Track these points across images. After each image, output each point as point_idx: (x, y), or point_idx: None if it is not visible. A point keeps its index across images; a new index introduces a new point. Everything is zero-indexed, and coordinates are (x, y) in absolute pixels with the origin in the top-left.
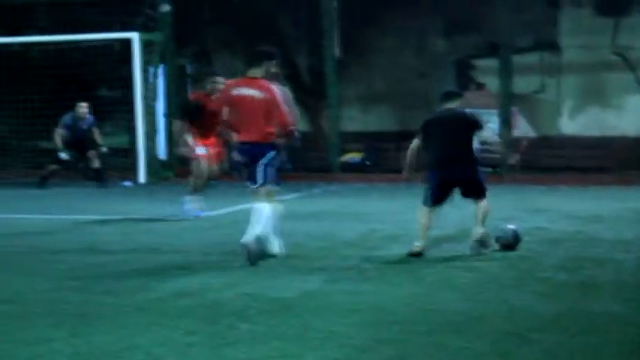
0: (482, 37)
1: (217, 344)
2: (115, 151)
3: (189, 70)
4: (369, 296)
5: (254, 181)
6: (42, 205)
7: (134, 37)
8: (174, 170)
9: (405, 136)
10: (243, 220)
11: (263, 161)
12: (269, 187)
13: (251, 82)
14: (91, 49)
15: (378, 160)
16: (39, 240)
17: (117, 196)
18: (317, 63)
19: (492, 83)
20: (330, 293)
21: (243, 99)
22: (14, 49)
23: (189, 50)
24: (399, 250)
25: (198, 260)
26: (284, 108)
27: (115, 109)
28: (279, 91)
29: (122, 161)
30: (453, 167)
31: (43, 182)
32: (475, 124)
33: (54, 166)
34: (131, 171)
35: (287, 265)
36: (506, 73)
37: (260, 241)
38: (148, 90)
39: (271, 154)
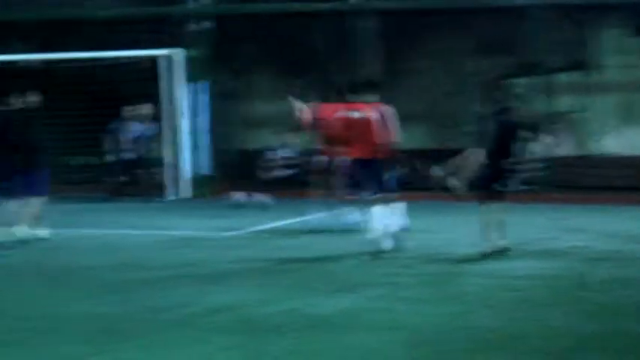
0: (519, 57)
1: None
2: (150, 167)
3: (227, 87)
4: (406, 314)
5: (370, 192)
6: (73, 220)
7: (174, 53)
8: (214, 187)
9: (441, 154)
10: (277, 237)
11: (376, 174)
12: (385, 195)
13: (361, 105)
14: (129, 66)
15: (416, 177)
16: (75, 254)
17: (154, 212)
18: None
19: (531, 103)
20: (367, 310)
21: (354, 120)
22: (47, 66)
23: (228, 67)
24: (436, 267)
25: (235, 276)
26: (388, 127)
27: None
28: (385, 112)
29: (157, 177)
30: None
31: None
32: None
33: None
34: (167, 187)
35: (323, 281)
36: (544, 92)
37: (378, 240)
38: (188, 107)
39: (381, 167)
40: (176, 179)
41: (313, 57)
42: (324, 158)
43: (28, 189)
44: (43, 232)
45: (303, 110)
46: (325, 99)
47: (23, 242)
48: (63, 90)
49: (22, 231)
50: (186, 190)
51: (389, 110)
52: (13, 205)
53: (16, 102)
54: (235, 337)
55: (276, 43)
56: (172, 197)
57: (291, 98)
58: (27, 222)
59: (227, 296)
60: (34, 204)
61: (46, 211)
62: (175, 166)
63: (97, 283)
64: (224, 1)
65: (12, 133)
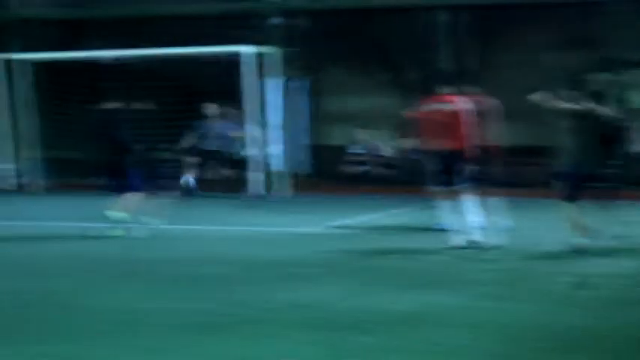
0: (600, 51)
1: (335, 356)
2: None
3: (305, 83)
4: (490, 311)
5: (454, 184)
6: (173, 216)
7: (248, 50)
8: (292, 183)
9: (531, 151)
10: (362, 233)
11: (459, 166)
12: (466, 187)
13: (446, 97)
14: (207, 62)
15: (510, 174)
16: (160, 249)
17: (235, 208)
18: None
19: (611, 98)
20: (451, 307)
21: (444, 112)
22: (133, 61)
23: (305, 63)
24: (522, 264)
25: (318, 272)
26: (471, 121)
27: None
28: (484, 104)
29: (244, 173)
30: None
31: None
32: None
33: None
34: (253, 184)
35: (407, 277)
36: (623, 87)
37: (464, 236)
38: (265, 103)
39: (464, 160)
40: (262, 176)
41: (398, 52)
42: (415, 153)
43: (127, 185)
44: (142, 226)
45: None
46: (412, 93)
47: (117, 236)
48: (149, 86)
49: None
50: (279, 187)
51: (490, 103)
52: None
53: (112, 100)
54: (317, 333)
55: (361, 38)
56: (258, 194)
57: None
58: (137, 215)
59: (306, 292)
60: (133, 199)
61: (144, 206)
62: (262, 163)
63: (181, 277)
64: None
65: (112, 131)
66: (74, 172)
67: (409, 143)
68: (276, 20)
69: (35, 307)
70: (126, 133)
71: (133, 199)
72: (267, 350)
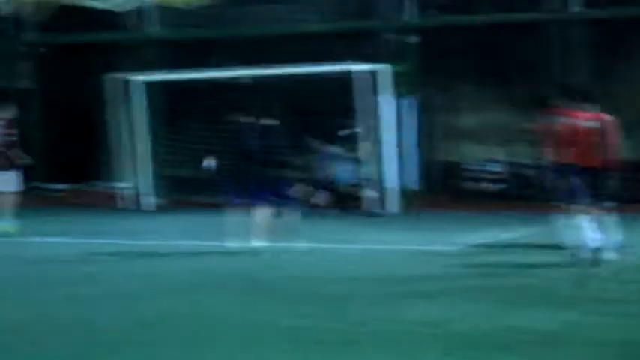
0: None
1: None
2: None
3: (435, 100)
4: (617, 328)
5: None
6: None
7: (382, 67)
8: (422, 201)
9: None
10: (488, 251)
11: (595, 184)
12: (599, 206)
13: (571, 112)
14: (339, 80)
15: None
16: (287, 266)
17: (365, 226)
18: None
19: None
20: (579, 325)
21: (578, 128)
22: (263, 80)
23: (436, 80)
24: None
25: (447, 289)
26: (608, 136)
27: (360, 138)
28: (606, 121)
29: (365, 191)
30: None
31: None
32: None
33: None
34: (375, 201)
35: (536, 296)
36: None
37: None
38: (395, 121)
39: (601, 177)
40: (384, 193)
41: (520, 68)
42: (548, 170)
43: (261, 200)
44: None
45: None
46: (529, 108)
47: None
48: (272, 105)
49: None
50: (393, 204)
51: (610, 120)
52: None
53: (247, 117)
54: (448, 351)
55: (481, 54)
56: (380, 211)
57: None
58: (258, 232)
59: (435, 310)
60: (262, 215)
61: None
62: (383, 181)
63: (305, 294)
64: (428, 14)
65: (249, 147)
66: (189, 190)
67: (541, 157)
68: (390, 37)
69: (163, 325)
70: (262, 149)
71: (262, 215)
72: None
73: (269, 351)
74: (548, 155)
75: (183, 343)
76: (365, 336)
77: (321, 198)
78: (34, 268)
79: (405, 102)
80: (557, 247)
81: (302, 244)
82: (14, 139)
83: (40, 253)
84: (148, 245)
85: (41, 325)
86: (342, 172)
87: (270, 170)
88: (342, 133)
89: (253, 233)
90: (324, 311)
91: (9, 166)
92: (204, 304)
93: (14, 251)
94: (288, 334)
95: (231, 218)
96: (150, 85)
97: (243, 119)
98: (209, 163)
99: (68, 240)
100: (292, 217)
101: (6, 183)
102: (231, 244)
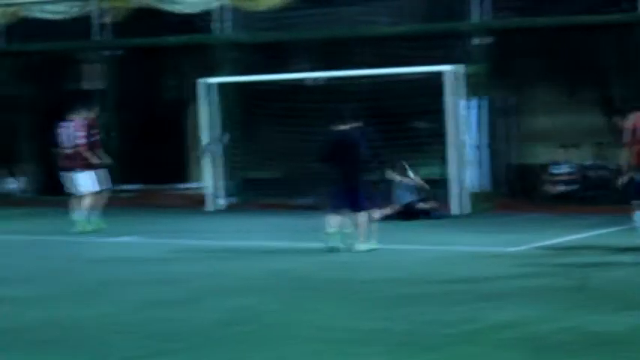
0: None
1: None
2: (433, 183)
3: (507, 102)
4: None
5: None
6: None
7: (451, 69)
8: (493, 202)
9: None
10: (559, 254)
11: None
12: None
13: None
14: (410, 83)
15: None
16: (361, 268)
17: (435, 227)
18: (633, 96)
19: None
20: None
21: None
22: (338, 82)
23: (505, 82)
24: None
25: (517, 292)
26: None
27: (433, 140)
28: None
29: (435, 192)
30: None
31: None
32: None
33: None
34: (449, 203)
35: (604, 298)
36: None
37: None
38: (464, 122)
39: None
40: (457, 195)
41: (591, 69)
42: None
43: (356, 204)
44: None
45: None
46: (616, 110)
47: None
48: (351, 106)
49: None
50: (466, 205)
51: None
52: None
53: (340, 122)
54: (521, 354)
55: (553, 56)
56: (453, 213)
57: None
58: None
59: (510, 313)
60: (361, 218)
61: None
62: (456, 182)
63: (382, 297)
64: (502, 15)
65: (352, 150)
66: (261, 191)
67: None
68: (477, 39)
69: (238, 326)
70: (366, 152)
71: (361, 217)
72: None
73: (353, 354)
74: (628, 156)
75: (261, 344)
76: (445, 338)
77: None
78: (110, 269)
79: (476, 103)
80: (626, 248)
81: (374, 246)
82: (96, 139)
83: (114, 253)
84: (220, 245)
85: (119, 325)
86: (402, 195)
87: (359, 173)
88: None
89: (358, 235)
90: (401, 314)
91: (87, 166)
92: (281, 306)
93: (89, 252)
94: (367, 337)
95: (332, 219)
96: (223, 88)
97: (355, 123)
98: (223, 137)
99: (142, 240)
100: (370, 219)
101: (85, 183)
102: (332, 244)
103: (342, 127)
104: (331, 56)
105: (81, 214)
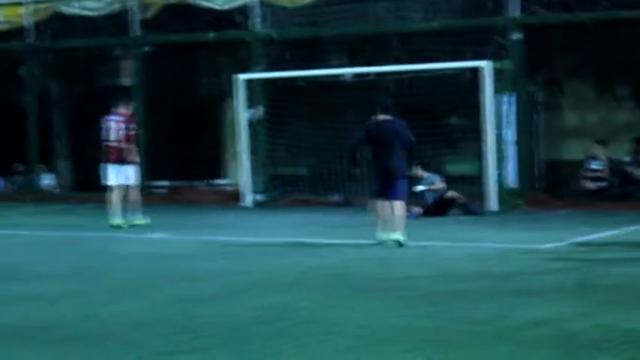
0: None
1: None
2: (464, 179)
3: (539, 98)
4: None
5: None
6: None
7: (484, 65)
8: (525, 198)
9: None
10: (594, 250)
11: None
12: None
13: None
14: (442, 78)
15: None
16: (394, 265)
17: (468, 224)
18: None
19: None
20: None
21: None
22: (369, 78)
23: (539, 78)
24: None
25: (550, 289)
26: None
27: (465, 136)
28: None
29: (471, 189)
30: None
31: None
32: None
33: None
34: (482, 199)
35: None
36: None
37: None
38: (498, 118)
39: None
40: (492, 191)
41: (623, 65)
42: None
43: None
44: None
45: None
46: None
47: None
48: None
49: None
50: (493, 202)
51: None
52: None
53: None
54: (554, 351)
55: (585, 51)
56: (484, 209)
57: None
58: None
59: (542, 310)
60: (398, 208)
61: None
62: (493, 178)
63: (415, 294)
64: (533, 11)
65: (391, 138)
66: (292, 187)
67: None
68: (513, 35)
69: (273, 323)
70: (413, 140)
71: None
72: None
73: (386, 351)
74: None
75: (294, 341)
76: (477, 335)
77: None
78: (143, 265)
79: (506, 99)
80: None
81: (413, 242)
82: (133, 133)
83: (146, 249)
84: (252, 242)
85: (151, 321)
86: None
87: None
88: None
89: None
90: (433, 311)
91: (124, 160)
92: (314, 302)
93: (121, 248)
94: (399, 334)
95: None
96: (253, 84)
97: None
98: (255, 111)
99: (175, 237)
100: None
101: (123, 177)
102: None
103: (385, 117)
104: (361, 52)
105: (129, 210)
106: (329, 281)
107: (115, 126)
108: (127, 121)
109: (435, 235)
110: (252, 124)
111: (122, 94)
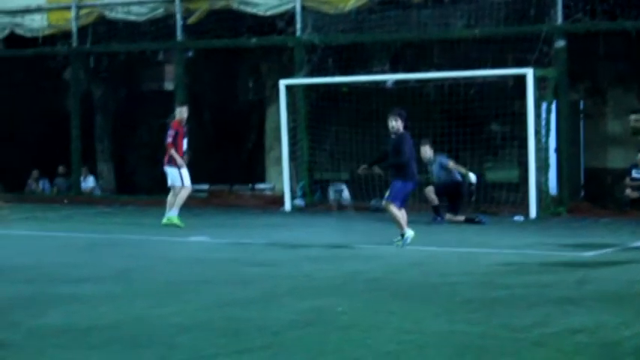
0: None
1: None
2: (505, 186)
3: (582, 105)
4: None
5: None
6: (432, 238)
7: (528, 72)
8: (566, 206)
9: None
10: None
11: None
12: None
13: None
14: (485, 86)
15: None
16: (434, 271)
17: (508, 231)
18: None
19: None
20: None
21: None
22: (411, 85)
23: (582, 86)
24: None
25: (592, 297)
26: None
27: (506, 143)
28: None
29: (513, 196)
30: None
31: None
32: None
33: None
34: (522, 205)
35: None
36: None
37: None
38: (540, 125)
39: None
40: (535, 198)
41: None
42: None
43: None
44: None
45: None
46: None
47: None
48: (425, 109)
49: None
50: (532, 208)
51: None
52: None
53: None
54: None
55: (628, 60)
56: (525, 216)
57: None
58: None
59: (582, 318)
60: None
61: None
62: (535, 185)
63: (456, 300)
64: (577, 19)
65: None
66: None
67: None
68: (557, 42)
69: (314, 327)
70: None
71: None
72: None
73: (427, 356)
74: None
75: (335, 346)
76: (517, 342)
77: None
78: (183, 268)
79: (547, 106)
80: None
81: (446, 248)
82: (169, 140)
83: (186, 253)
84: (293, 245)
85: (190, 324)
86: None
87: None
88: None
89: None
90: (473, 317)
91: (168, 163)
92: (355, 307)
93: (163, 251)
94: (439, 340)
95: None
96: (295, 89)
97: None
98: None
99: (215, 240)
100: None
101: (169, 179)
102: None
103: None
104: (403, 59)
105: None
106: (371, 286)
107: (168, 131)
108: (172, 127)
109: (473, 241)
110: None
111: (161, 100)
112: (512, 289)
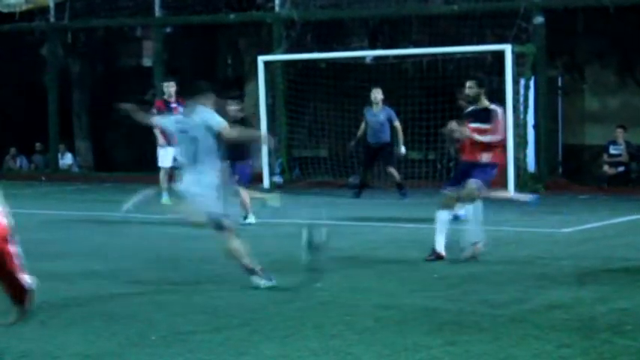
0: None
1: (592, 359)
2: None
3: (560, 82)
4: None
5: None
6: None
7: (506, 48)
8: (544, 183)
9: None
10: (611, 235)
11: None
12: None
13: None
14: (463, 62)
15: None
16: (409, 248)
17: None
18: None
19: None
20: None
21: None
22: (389, 61)
23: (560, 62)
24: None
25: (569, 272)
26: None
27: None
28: None
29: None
30: None
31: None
32: None
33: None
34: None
35: None
36: None
37: None
38: (519, 102)
39: None
40: (514, 175)
41: None
42: None
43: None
44: None
45: None
46: None
47: None
48: (403, 85)
49: None
50: (510, 186)
51: None
52: None
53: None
54: (572, 335)
55: (606, 36)
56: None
57: None
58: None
59: (560, 294)
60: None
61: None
62: (513, 163)
63: (434, 276)
64: None
65: None
66: (310, 169)
67: None
68: (535, 19)
69: (292, 304)
70: None
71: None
72: (526, 351)
73: (405, 332)
74: None
75: (314, 322)
76: (495, 318)
77: None
78: (162, 245)
79: (525, 83)
80: None
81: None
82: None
83: (165, 230)
84: (267, 223)
85: (166, 301)
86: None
87: None
88: None
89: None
90: (451, 294)
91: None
92: (332, 284)
93: (141, 228)
94: (419, 316)
95: None
96: (273, 65)
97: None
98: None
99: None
100: None
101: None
102: None
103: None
104: (381, 35)
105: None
106: (350, 264)
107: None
108: (155, 106)
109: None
110: None
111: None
112: (489, 266)
